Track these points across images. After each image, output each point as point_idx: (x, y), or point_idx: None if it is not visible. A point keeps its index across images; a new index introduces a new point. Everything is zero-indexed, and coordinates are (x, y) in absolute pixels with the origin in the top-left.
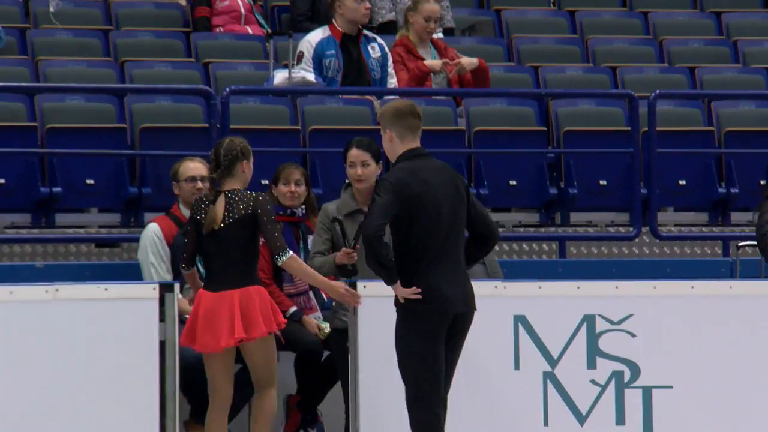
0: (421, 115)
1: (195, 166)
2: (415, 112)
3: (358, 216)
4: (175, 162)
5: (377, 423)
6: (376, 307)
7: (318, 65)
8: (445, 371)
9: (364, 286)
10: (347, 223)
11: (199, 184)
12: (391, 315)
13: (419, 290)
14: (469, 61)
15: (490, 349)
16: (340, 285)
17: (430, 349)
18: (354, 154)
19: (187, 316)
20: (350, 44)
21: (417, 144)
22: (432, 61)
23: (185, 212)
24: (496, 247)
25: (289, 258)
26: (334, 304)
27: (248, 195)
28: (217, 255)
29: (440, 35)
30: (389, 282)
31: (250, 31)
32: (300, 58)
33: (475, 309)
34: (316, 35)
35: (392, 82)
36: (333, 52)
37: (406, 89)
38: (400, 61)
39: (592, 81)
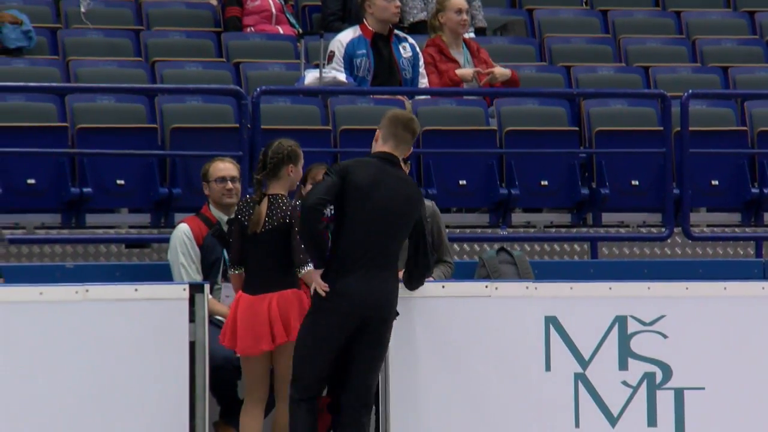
0: (416, 133)
1: (225, 167)
2: (410, 126)
3: None
4: (205, 162)
5: (408, 422)
6: (406, 310)
7: (349, 65)
8: (350, 376)
9: None
10: None
11: (229, 185)
12: (422, 318)
13: (327, 288)
14: (501, 72)
15: (521, 350)
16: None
17: (320, 347)
18: None
19: (218, 317)
20: (381, 44)
21: (396, 153)
22: (464, 70)
23: (215, 213)
24: (527, 248)
25: (307, 271)
26: None
27: (288, 203)
28: (257, 258)
29: (472, 35)
30: (317, 263)
31: (281, 31)
32: (331, 57)
33: (388, 316)
34: (347, 35)
35: (423, 82)
36: (364, 51)
37: (437, 89)
38: (432, 63)
39: (624, 81)
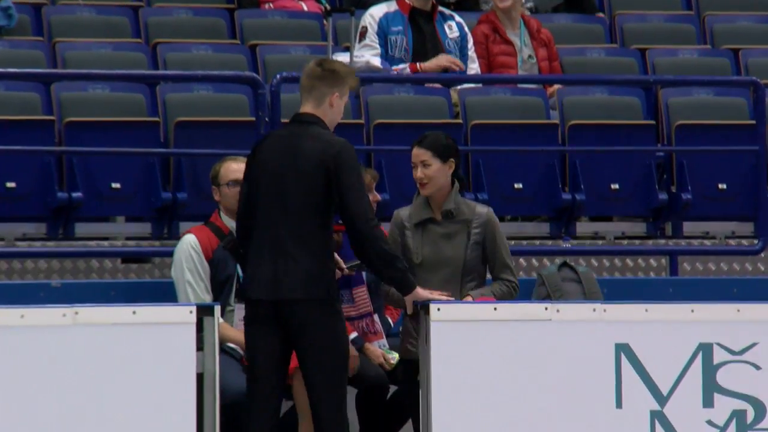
0: (310, 75)
1: (239, 168)
2: (305, 71)
3: (431, 226)
4: (215, 162)
5: None
6: (453, 334)
7: (383, 43)
8: (304, 369)
9: (438, 309)
10: (417, 233)
11: None
12: (469, 345)
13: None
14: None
15: (587, 383)
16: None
17: (249, 343)
18: (413, 153)
19: (230, 345)
20: (422, 21)
21: (305, 109)
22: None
23: (227, 222)
24: (594, 262)
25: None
26: (402, 329)
27: None
28: None
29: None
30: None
31: (305, 8)
32: (363, 34)
33: (293, 297)
34: (380, 8)
35: (473, 67)
36: (400, 28)
37: (489, 76)
38: (484, 43)
39: (709, 66)
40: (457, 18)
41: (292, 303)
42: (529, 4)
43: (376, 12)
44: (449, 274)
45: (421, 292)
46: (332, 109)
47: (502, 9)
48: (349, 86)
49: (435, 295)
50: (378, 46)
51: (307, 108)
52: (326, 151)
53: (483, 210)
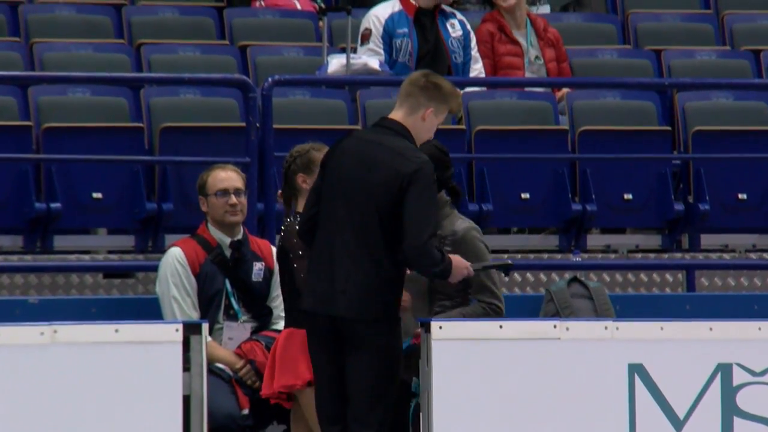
0: (412, 81)
1: (228, 176)
2: (408, 77)
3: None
4: (202, 171)
5: None
6: (455, 353)
7: (388, 46)
8: (347, 387)
9: (440, 327)
10: None
11: (233, 199)
12: (474, 365)
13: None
14: None
15: (598, 406)
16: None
17: (313, 359)
18: None
19: (219, 365)
20: (426, 21)
21: (395, 115)
22: None
23: (215, 234)
24: (606, 277)
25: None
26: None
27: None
28: (293, 291)
29: (546, 9)
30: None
31: (299, 6)
32: (366, 37)
33: (344, 315)
34: (385, 9)
35: (476, 68)
36: (405, 30)
37: (494, 78)
38: (489, 42)
39: (729, 68)
40: (459, 15)
41: (344, 319)
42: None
43: (382, 12)
44: (415, 292)
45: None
46: (423, 123)
47: (506, 8)
48: (449, 107)
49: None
50: (382, 51)
51: (397, 115)
52: (403, 167)
53: (461, 227)
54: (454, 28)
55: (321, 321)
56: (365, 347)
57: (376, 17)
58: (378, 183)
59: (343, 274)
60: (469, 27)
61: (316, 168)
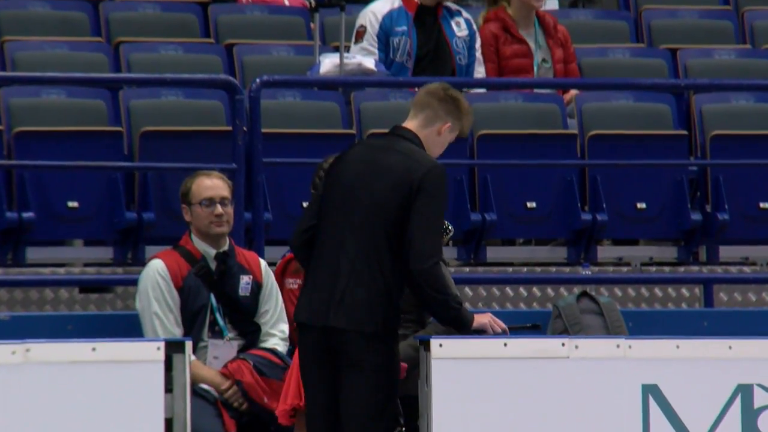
0: (430, 92)
1: (213, 185)
2: (425, 87)
3: None
4: (186, 178)
5: None
6: (456, 373)
7: (384, 45)
8: (342, 407)
9: (440, 345)
10: None
11: (218, 209)
12: (475, 386)
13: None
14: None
15: (610, 430)
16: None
17: (303, 375)
18: None
19: (203, 385)
20: (428, 19)
21: (409, 125)
22: None
23: (199, 245)
24: (619, 292)
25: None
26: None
27: None
28: None
29: (555, 5)
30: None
31: (288, 2)
32: (361, 34)
33: (339, 326)
34: (383, 5)
35: (480, 70)
36: (404, 28)
37: (498, 80)
38: (493, 45)
39: (749, 68)
40: (465, 14)
41: (339, 332)
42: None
43: (379, 9)
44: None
45: (480, 319)
46: (438, 138)
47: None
48: (463, 125)
49: (491, 322)
50: (377, 50)
51: (412, 124)
52: (412, 170)
53: None
54: (459, 28)
55: (315, 334)
56: (362, 365)
57: (372, 14)
58: (386, 188)
59: (342, 284)
60: (475, 27)
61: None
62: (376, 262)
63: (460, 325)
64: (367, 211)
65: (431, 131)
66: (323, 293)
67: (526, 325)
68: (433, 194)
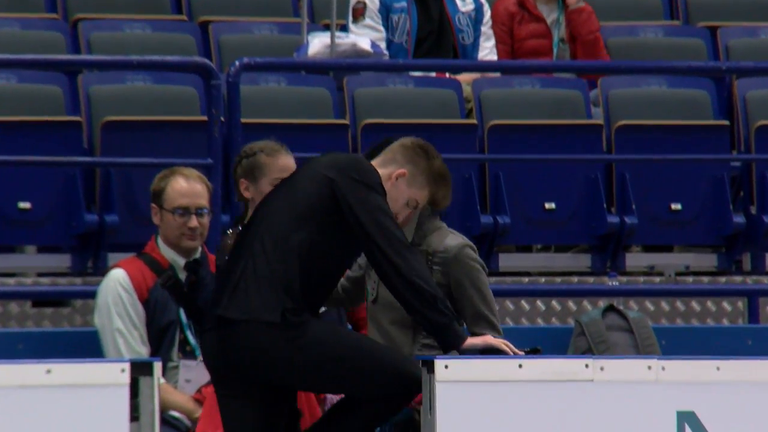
0: (400, 140)
1: (191, 190)
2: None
3: None
4: (161, 172)
5: None
6: (464, 398)
7: (385, 22)
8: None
9: (446, 367)
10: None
11: (194, 221)
12: (490, 411)
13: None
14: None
15: None
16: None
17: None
18: None
19: (174, 413)
20: None
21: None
22: None
23: (166, 252)
24: (650, 306)
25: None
26: None
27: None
28: None
29: None
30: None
31: None
32: (360, 11)
33: (240, 317)
34: None
35: (487, 46)
36: (403, 4)
37: (512, 63)
38: (507, 24)
39: None
40: None
41: (231, 323)
42: None
43: None
44: (398, 317)
45: (478, 341)
46: (390, 186)
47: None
48: (430, 191)
49: (496, 342)
50: (382, 27)
51: (374, 162)
52: (338, 158)
53: (453, 244)
54: (464, 2)
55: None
56: (265, 365)
57: None
58: (304, 175)
59: (238, 271)
60: (482, 0)
61: (261, 176)
62: (282, 244)
63: (446, 337)
64: (276, 212)
65: (384, 174)
66: (230, 280)
67: (524, 350)
68: (353, 178)
